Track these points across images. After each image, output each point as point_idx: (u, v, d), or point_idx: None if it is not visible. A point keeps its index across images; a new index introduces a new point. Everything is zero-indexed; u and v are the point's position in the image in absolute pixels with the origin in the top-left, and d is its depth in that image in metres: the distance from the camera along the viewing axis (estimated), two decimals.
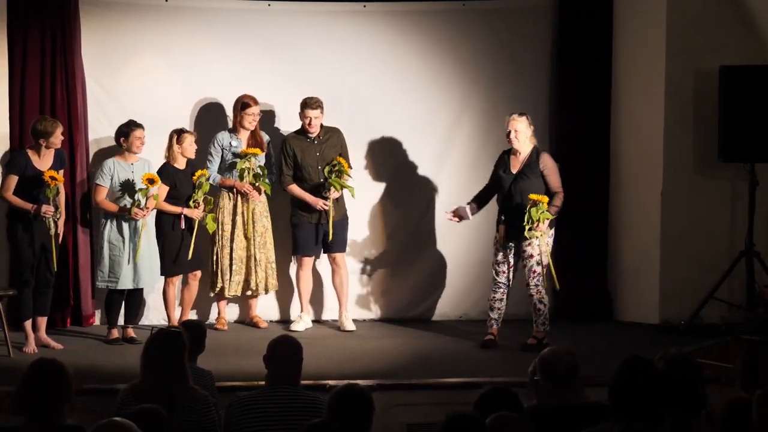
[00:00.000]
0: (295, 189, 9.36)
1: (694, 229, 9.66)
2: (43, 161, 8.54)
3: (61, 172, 8.58)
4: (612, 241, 10.11)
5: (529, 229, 8.43)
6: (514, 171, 8.70)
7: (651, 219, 9.74)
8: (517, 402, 4.99)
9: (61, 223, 8.59)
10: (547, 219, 8.45)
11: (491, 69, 10.06)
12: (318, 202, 9.25)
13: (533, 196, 8.45)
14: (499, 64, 10.07)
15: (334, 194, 9.23)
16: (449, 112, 10.04)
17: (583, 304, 9.95)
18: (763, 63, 9.41)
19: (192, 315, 9.61)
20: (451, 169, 9.96)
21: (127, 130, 8.89)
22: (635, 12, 9.84)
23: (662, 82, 9.62)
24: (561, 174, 9.91)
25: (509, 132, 8.70)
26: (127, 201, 8.80)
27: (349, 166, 9.40)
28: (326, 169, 9.23)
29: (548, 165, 8.71)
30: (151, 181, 8.75)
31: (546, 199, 8.47)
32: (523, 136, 8.70)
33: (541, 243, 8.51)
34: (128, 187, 8.82)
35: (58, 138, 8.53)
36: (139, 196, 8.75)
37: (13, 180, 8.47)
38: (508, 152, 8.82)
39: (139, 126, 8.90)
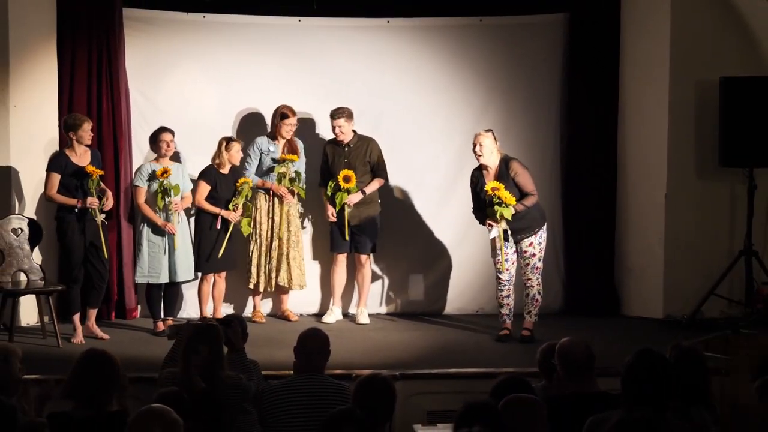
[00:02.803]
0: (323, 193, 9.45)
1: (696, 229, 9.63)
2: (81, 159, 8.59)
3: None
4: (619, 241, 10.08)
5: (490, 215, 8.45)
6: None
7: (655, 220, 9.71)
8: (530, 390, 5.03)
9: (109, 203, 8.63)
10: (507, 215, 8.39)
11: (507, 80, 10.05)
12: (327, 212, 9.37)
13: (491, 186, 8.41)
14: (514, 75, 10.06)
15: (351, 200, 9.27)
16: (468, 121, 10.01)
17: (591, 300, 9.94)
18: (762, 74, 9.38)
19: (228, 309, 9.65)
20: (469, 172, 9.93)
21: (155, 135, 8.95)
22: (641, 26, 9.81)
23: (666, 92, 9.59)
24: (571, 178, 9.95)
25: (474, 146, 8.66)
26: (160, 200, 8.87)
27: (376, 176, 9.42)
28: (331, 184, 9.29)
29: (518, 171, 8.62)
30: (163, 173, 8.83)
31: (501, 187, 8.40)
32: (487, 149, 8.62)
33: (499, 229, 8.46)
34: (163, 190, 8.87)
35: (86, 132, 8.55)
36: (170, 191, 8.84)
37: (56, 178, 8.51)
38: (479, 169, 8.79)
39: (167, 130, 8.95)
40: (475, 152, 8.67)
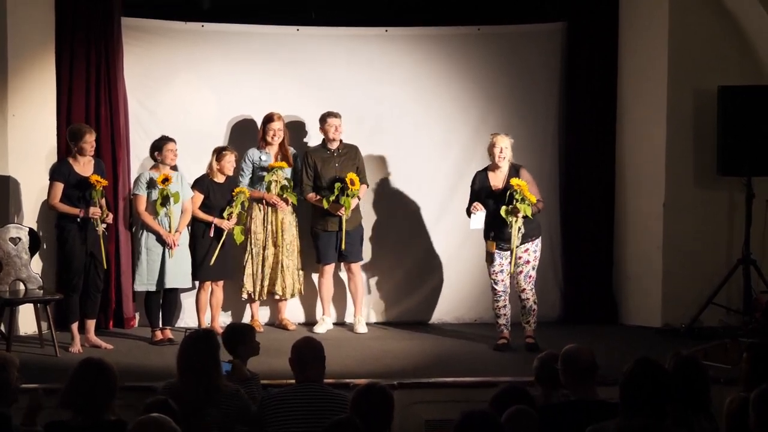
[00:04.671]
0: (313, 197, 9.39)
1: (694, 238, 9.63)
2: (85, 168, 8.59)
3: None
4: (617, 250, 10.08)
5: (507, 213, 8.40)
6: (496, 188, 8.65)
7: (654, 229, 9.71)
8: (529, 398, 5.01)
9: (109, 220, 8.63)
10: (527, 213, 8.40)
11: (505, 89, 10.05)
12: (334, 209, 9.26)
13: (516, 182, 8.42)
14: (513, 84, 10.06)
15: (341, 211, 9.20)
16: (466, 129, 10.03)
17: (590, 309, 9.94)
18: (760, 83, 9.38)
19: (225, 318, 9.63)
20: (468, 181, 9.89)
21: (160, 144, 8.95)
22: (639, 35, 9.82)
23: (664, 101, 9.60)
24: (569, 186, 9.94)
25: (499, 149, 8.64)
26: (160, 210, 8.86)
27: (362, 181, 9.40)
28: (337, 186, 9.21)
29: (529, 180, 8.65)
30: (164, 181, 8.81)
31: (525, 185, 8.43)
32: (508, 153, 8.67)
33: (514, 228, 8.43)
34: (163, 197, 8.86)
35: (88, 143, 8.53)
36: (170, 199, 8.82)
37: (59, 187, 8.50)
38: (484, 171, 8.79)
39: (171, 140, 8.97)
40: (495, 153, 8.64)
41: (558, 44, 10.09)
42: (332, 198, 9.21)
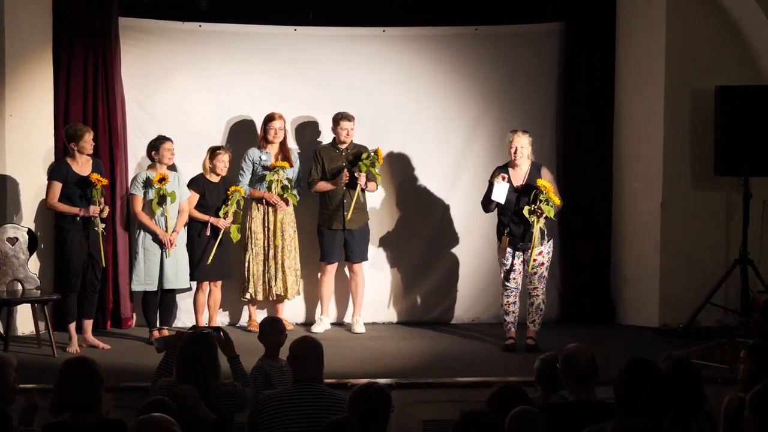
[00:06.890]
0: (320, 185, 9.39)
1: (692, 238, 9.63)
2: (83, 168, 8.58)
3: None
4: (615, 250, 10.08)
5: (531, 212, 8.42)
6: (517, 185, 8.67)
7: (651, 229, 9.71)
8: (525, 398, 5.00)
9: (106, 212, 8.63)
10: (549, 214, 8.43)
11: (502, 89, 10.05)
12: (343, 177, 9.24)
13: (542, 183, 8.44)
14: (510, 84, 10.06)
15: (362, 178, 9.21)
16: (464, 129, 10.03)
17: (587, 309, 9.93)
18: (757, 83, 9.39)
19: (224, 318, 9.63)
20: (466, 181, 9.94)
21: (157, 144, 8.94)
22: (637, 35, 9.82)
23: (662, 102, 9.60)
24: (567, 187, 9.94)
25: (515, 148, 8.64)
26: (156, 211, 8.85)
27: (371, 180, 9.43)
28: (365, 155, 9.24)
29: (550, 179, 8.67)
30: (161, 180, 8.80)
31: (551, 187, 8.45)
32: (526, 152, 8.67)
33: (535, 228, 8.43)
34: (160, 197, 8.85)
35: (87, 142, 8.55)
36: (166, 199, 8.80)
37: (57, 187, 8.50)
38: (504, 167, 8.78)
39: (168, 139, 8.96)
40: (514, 155, 8.64)
41: (556, 45, 10.09)
42: (363, 167, 9.20)
